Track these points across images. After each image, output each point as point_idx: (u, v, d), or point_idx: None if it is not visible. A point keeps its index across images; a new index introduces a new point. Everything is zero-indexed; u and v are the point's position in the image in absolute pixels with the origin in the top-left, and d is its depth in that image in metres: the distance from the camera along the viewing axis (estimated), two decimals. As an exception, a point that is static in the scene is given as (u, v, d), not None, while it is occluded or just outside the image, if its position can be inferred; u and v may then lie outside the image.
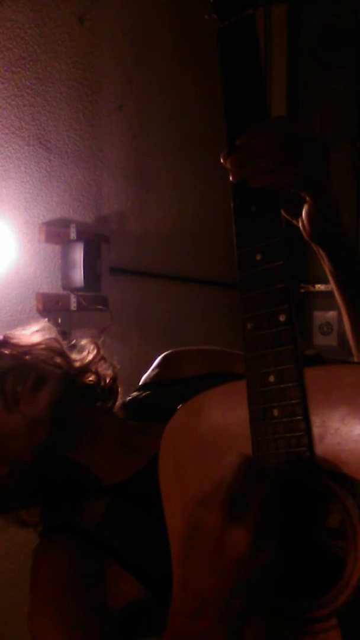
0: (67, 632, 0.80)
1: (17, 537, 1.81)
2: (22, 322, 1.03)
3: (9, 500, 0.92)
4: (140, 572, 0.82)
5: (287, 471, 0.67)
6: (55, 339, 1.00)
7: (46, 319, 1.07)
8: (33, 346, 0.97)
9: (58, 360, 0.97)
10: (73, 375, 0.97)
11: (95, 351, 1.01)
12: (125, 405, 1.03)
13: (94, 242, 2.15)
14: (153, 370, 1.09)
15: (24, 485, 0.91)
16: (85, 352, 1.01)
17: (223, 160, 0.73)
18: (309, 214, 0.78)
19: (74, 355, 1.00)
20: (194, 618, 0.63)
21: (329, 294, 0.89)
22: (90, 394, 0.98)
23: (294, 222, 0.81)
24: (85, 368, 0.99)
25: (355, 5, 3.04)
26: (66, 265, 2.09)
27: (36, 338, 0.99)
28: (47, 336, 1.00)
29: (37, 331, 1.01)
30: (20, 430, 0.88)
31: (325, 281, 0.88)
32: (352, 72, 3.08)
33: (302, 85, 3.19)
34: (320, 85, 3.14)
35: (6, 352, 0.95)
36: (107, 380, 1.00)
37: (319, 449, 0.66)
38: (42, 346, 0.98)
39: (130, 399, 1.04)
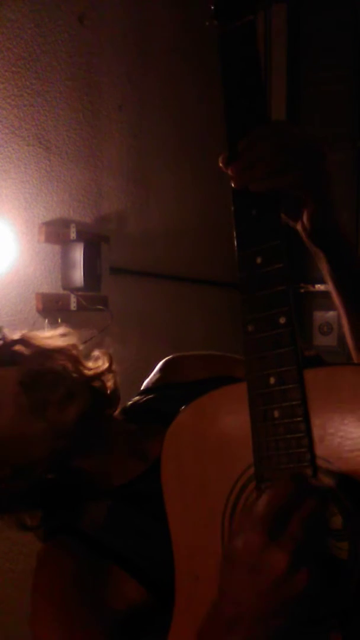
0: (69, 635, 0.80)
1: (18, 537, 1.80)
2: (22, 322, 1.03)
3: (13, 502, 0.92)
4: (142, 575, 0.82)
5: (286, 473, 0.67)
6: (74, 346, 1.00)
7: (63, 326, 1.06)
8: (54, 350, 0.97)
9: (73, 367, 0.97)
10: (97, 389, 0.96)
11: (107, 364, 1.01)
12: (126, 409, 1.03)
13: (94, 242, 2.15)
14: (154, 375, 1.09)
15: (30, 489, 0.91)
16: (100, 362, 1.01)
17: (222, 164, 0.73)
18: (308, 216, 0.78)
19: (90, 364, 1.00)
20: (228, 630, 0.63)
21: (329, 294, 0.89)
22: (100, 403, 0.98)
23: (293, 224, 0.82)
24: (97, 378, 0.99)
25: (355, 5, 3.04)
26: (66, 265, 2.09)
27: (57, 342, 0.99)
28: (67, 342, 1.00)
29: (58, 335, 1.01)
30: (41, 436, 0.88)
31: (326, 281, 0.88)
32: (352, 72, 3.08)
33: (302, 85, 3.19)
34: (320, 85, 3.14)
35: (26, 352, 0.95)
36: (113, 388, 1.01)
37: (319, 450, 0.67)
38: (63, 352, 0.97)
39: (131, 404, 1.05)
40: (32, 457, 0.89)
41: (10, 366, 0.92)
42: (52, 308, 2.04)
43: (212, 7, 0.74)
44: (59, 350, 0.97)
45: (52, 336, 1.00)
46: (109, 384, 1.00)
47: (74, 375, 0.95)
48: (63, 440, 0.88)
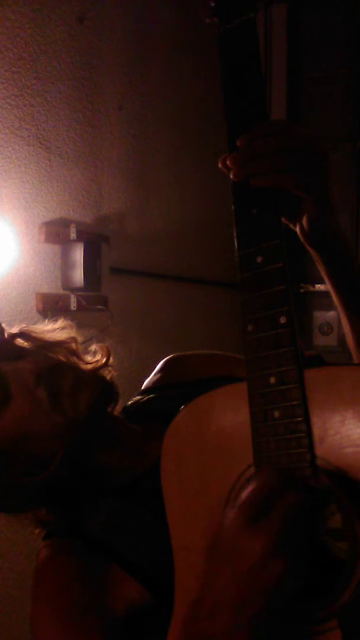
0: (69, 635, 0.80)
1: (18, 537, 1.81)
2: (22, 322, 1.03)
3: (27, 500, 0.92)
4: (143, 575, 0.82)
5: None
6: (73, 339, 0.99)
7: (62, 319, 1.06)
8: (54, 344, 0.97)
9: (73, 360, 0.97)
10: (106, 380, 0.96)
11: (105, 358, 1.01)
12: (126, 409, 1.03)
13: (94, 242, 2.15)
14: (155, 375, 1.09)
15: (43, 485, 0.90)
16: (99, 356, 1.01)
17: (221, 165, 0.73)
18: (307, 218, 0.78)
19: (88, 358, 1.00)
20: (209, 618, 0.63)
21: (329, 294, 0.90)
22: (109, 394, 0.97)
23: (291, 225, 0.82)
24: (96, 372, 0.99)
25: (355, 5, 3.04)
26: (66, 265, 2.09)
27: (56, 336, 0.98)
28: (67, 335, 0.99)
29: (58, 328, 1.00)
30: (60, 429, 0.87)
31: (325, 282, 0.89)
32: (352, 72, 3.09)
33: (302, 85, 3.19)
34: (320, 85, 3.14)
35: (28, 346, 0.94)
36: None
37: (320, 450, 0.66)
38: (63, 345, 0.97)
39: (131, 403, 1.04)
40: (47, 452, 0.88)
41: (17, 360, 0.91)
42: (52, 308, 2.04)
43: (213, 5, 0.74)
44: (59, 344, 0.97)
45: (51, 330, 1.00)
46: (108, 377, 1.00)
47: (82, 366, 0.95)
48: (77, 432, 0.87)
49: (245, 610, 0.62)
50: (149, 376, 1.12)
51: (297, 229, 0.81)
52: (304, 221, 0.79)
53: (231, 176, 0.72)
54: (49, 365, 0.89)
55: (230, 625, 0.62)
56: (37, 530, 0.95)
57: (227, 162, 0.71)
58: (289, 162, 0.71)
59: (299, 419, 0.67)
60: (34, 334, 0.97)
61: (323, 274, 0.86)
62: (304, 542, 0.64)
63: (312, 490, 0.66)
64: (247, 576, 0.61)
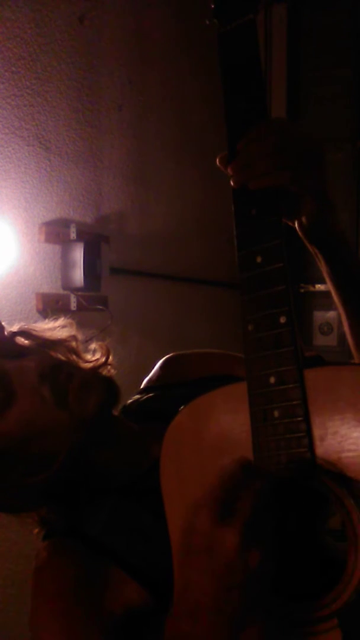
0: (69, 636, 0.80)
1: (18, 537, 1.81)
2: (22, 322, 1.03)
3: (30, 499, 0.91)
4: (143, 576, 0.82)
5: (287, 473, 0.67)
6: (74, 337, 0.99)
7: (63, 317, 1.05)
8: (55, 342, 0.96)
9: (73, 358, 0.96)
10: (109, 379, 0.95)
11: (105, 357, 1.00)
12: (126, 408, 1.03)
13: (94, 242, 2.15)
14: (154, 373, 1.09)
15: (46, 485, 0.89)
16: (98, 354, 1.00)
17: (219, 163, 0.73)
18: (307, 214, 0.79)
19: (88, 356, 1.00)
20: (191, 619, 0.63)
21: (329, 293, 0.90)
22: (113, 394, 0.97)
23: (291, 223, 0.82)
24: (97, 371, 0.99)
25: (355, 5, 3.04)
26: (66, 265, 2.09)
27: (57, 334, 0.98)
28: (67, 333, 0.99)
29: (58, 327, 1.00)
30: (64, 428, 0.86)
31: (325, 281, 0.89)
32: (352, 72, 3.09)
33: (302, 85, 3.19)
34: (320, 85, 3.14)
35: (29, 345, 0.94)
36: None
37: (320, 450, 0.67)
38: (63, 344, 0.97)
39: (131, 402, 1.04)
40: (50, 452, 0.87)
41: (19, 358, 0.90)
42: (52, 308, 2.04)
43: (213, 6, 0.74)
44: (60, 342, 0.97)
45: (51, 328, 1.00)
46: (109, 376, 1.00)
47: (82, 364, 0.94)
48: (81, 432, 0.87)
49: (227, 606, 0.62)
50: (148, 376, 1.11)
51: (297, 226, 0.82)
52: (304, 218, 0.79)
53: (231, 183, 0.73)
54: (52, 364, 0.89)
55: (213, 623, 0.62)
56: (37, 530, 0.94)
57: (228, 170, 0.72)
58: (285, 160, 0.71)
59: (299, 418, 0.67)
60: (34, 332, 0.97)
61: (323, 271, 0.86)
62: (272, 528, 0.63)
63: (269, 475, 0.66)
64: (224, 572, 0.61)
